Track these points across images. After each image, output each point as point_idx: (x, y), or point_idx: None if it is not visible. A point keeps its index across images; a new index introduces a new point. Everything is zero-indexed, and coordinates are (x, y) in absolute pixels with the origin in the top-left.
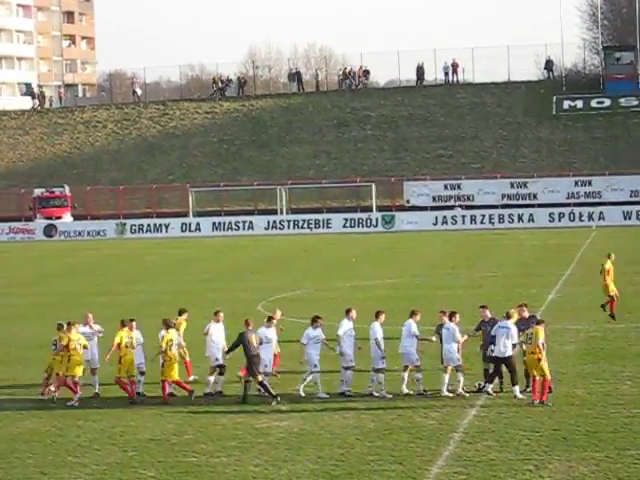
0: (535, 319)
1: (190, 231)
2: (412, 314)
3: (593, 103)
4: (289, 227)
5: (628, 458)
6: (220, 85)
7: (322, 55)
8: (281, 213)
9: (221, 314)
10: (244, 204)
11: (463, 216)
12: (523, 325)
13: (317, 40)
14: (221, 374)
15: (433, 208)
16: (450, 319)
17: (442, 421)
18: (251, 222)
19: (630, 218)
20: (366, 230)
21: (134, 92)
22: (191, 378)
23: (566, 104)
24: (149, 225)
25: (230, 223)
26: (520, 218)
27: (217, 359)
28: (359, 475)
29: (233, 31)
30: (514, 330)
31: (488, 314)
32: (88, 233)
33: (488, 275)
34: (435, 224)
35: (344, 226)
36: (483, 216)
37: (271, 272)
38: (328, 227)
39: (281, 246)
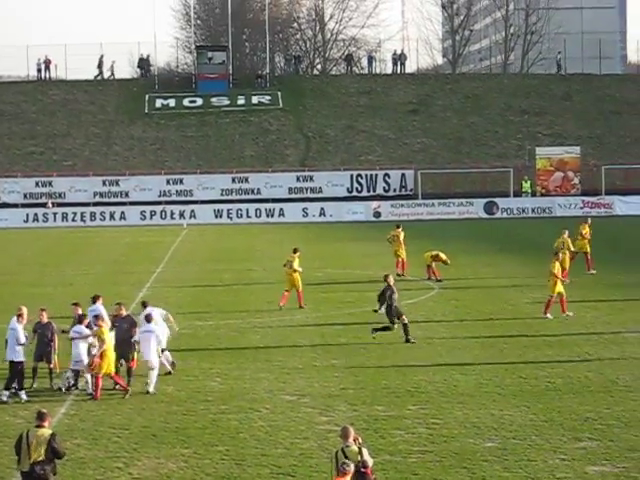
0: (131, 318)
1: None
2: None
3: (185, 102)
4: None
5: (216, 454)
6: None
7: None
8: None
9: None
10: None
11: (55, 213)
12: (117, 322)
13: None
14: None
15: (24, 205)
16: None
17: (31, 420)
18: None
19: (221, 216)
20: None
21: None
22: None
23: (159, 102)
24: None
25: None
26: (112, 216)
27: None
28: None
29: None
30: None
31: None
32: None
33: (79, 273)
34: (26, 221)
35: None
36: (75, 214)
37: None
38: None
39: None
